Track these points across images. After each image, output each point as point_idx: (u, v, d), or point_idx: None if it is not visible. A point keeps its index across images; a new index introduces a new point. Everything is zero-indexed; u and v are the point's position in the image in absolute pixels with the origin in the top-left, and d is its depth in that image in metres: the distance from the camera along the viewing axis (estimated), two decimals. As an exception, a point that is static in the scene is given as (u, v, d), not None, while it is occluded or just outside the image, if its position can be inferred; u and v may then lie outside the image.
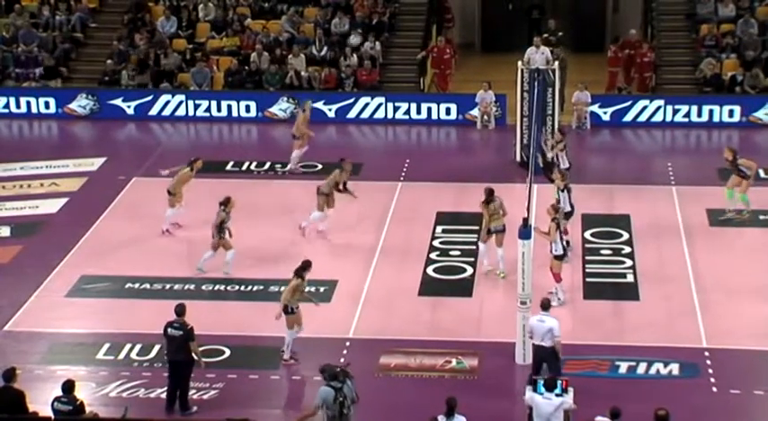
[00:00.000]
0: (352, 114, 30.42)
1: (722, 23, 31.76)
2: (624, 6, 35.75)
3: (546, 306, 17.15)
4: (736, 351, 18.49)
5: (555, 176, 21.82)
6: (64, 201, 25.14)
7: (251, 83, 31.33)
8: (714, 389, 17.46)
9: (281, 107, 30.52)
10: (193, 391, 17.21)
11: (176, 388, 16.94)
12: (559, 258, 19.92)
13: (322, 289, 20.83)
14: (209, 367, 17.64)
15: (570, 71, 30.71)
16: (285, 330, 18.31)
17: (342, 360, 18.37)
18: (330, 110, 30.43)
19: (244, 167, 27.06)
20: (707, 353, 18.39)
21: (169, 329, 16.83)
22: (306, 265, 18.52)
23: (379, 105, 30.31)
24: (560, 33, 31.54)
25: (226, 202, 21.24)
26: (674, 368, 18.02)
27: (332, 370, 15.24)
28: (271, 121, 30.49)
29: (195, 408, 17.02)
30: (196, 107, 30.72)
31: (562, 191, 21.37)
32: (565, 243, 20.41)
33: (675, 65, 31.51)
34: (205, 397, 17.35)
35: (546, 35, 30.40)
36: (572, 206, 21.56)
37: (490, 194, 21.06)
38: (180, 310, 16.93)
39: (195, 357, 16.85)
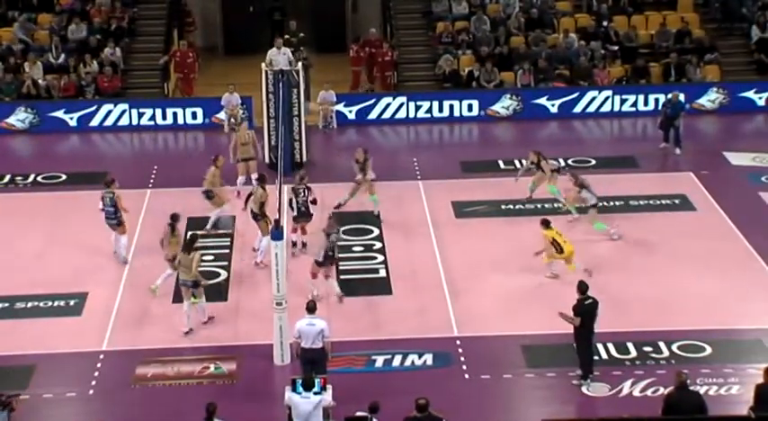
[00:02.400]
0: (95, 122, 29.71)
1: (457, 21, 32.81)
2: (363, 6, 36.38)
3: (312, 308, 17.21)
4: (484, 337, 19.13)
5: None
6: None
7: (-15, 93, 30.18)
8: (466, 375, 18.02)
9: (19, 117, 29.49)
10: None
11: None
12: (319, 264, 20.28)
13: (72, 302, 20.35)
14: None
15: (314, 71, 31.02)
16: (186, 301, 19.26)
17: (95, 374, 18.06)
18: (72, 118, 29.62)
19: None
20: (458, 342, 18.96)
21: None
22: (195, 238, 19.91)
23: (123, 112, 29.74)
24: (302, 34, 31.79)
25: None
26: (428, 358, 18.48)
27: None
28: (10, 133, 29.41)
29: None
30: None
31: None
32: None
33: (415, 62, 32.31)
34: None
35: (287, 36, 30.57)
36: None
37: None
38: None
39: None
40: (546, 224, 20.82)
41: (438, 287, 20.89)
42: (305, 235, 22.10)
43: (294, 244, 22.06)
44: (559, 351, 18.25)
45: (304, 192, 21.79)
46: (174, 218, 20.82)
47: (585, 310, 17.21)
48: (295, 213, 21.78)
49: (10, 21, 32.31)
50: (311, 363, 16.91)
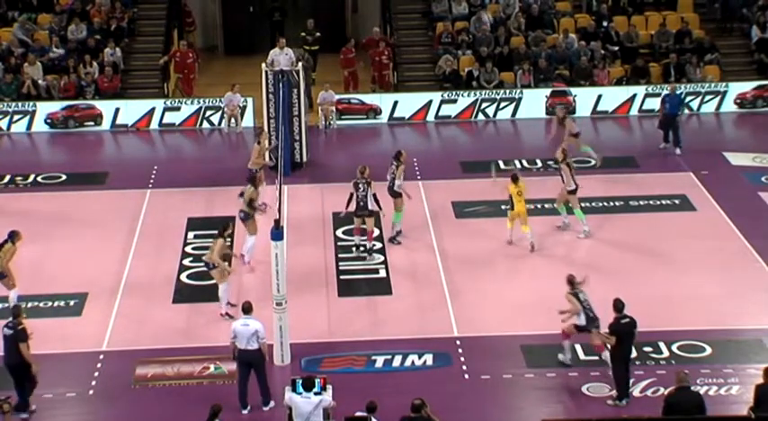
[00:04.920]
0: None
1: (456, 21, 32.81)
2: (363, 6, 36.38)
3: (247, 309, 17.10)
4: (484, 337, 19.12)
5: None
6: None
7: (-15, 93, 30.16)
8: (466, 376, 18.02)
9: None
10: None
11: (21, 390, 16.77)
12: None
13: (72, 302, 20.35)
14: None
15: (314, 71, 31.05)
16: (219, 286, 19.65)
17: (95, 374, 18.06)
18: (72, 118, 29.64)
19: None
20: (458, 342, 18.96)
21: (3, 329, 16.87)
22: (226, 226, 20.01)
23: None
24: (318, 34, 31.91)
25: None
26: (428, 358, 18.48)
27: None
28: (9, 133, 29.44)
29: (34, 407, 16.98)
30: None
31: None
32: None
33: (415, 62, 32.33)
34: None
35: (304, 34, 30.65)
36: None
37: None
38: (16, 312, 17.09)
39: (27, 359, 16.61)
40: (514, 179, 21.92)
41: (438, 287, 20.89)
42: (371, 240, 22.12)
43: (357, 247, 22.10)
44: (560, 351, 18.22)
45: (364, 186, 21.74)
46: (10, 235, 19.87)
47: (621, 329, 16.80)
48: (354, 208, 21.74)
49: (10, 21, 32.31)
50: (248, 366, 16.83)
